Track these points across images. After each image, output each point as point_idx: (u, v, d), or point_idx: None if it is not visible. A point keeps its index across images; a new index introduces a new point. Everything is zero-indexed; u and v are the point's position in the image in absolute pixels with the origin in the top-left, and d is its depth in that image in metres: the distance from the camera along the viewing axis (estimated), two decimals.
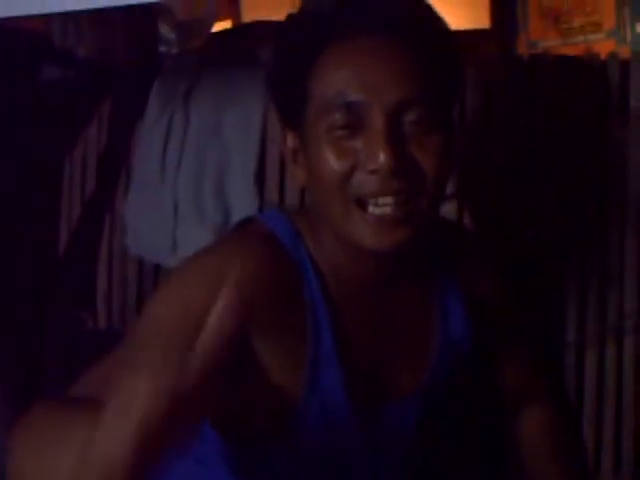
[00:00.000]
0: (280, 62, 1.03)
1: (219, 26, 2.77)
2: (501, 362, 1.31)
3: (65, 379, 0.85)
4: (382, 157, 0.93)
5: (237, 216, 1.77)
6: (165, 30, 2.41)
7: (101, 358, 0.97)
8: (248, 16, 2.80)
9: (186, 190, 1.89)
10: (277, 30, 1.07)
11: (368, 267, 1.06)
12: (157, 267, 1.97)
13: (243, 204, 1.86)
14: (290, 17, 1.04)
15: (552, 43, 3.11)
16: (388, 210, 0.95)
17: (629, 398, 1.64)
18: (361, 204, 0.96)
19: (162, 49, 2.40)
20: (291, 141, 1.04)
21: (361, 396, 1.11)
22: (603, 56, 1.74)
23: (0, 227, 1.88)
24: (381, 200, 0.95)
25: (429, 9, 1.02)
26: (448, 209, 1.65)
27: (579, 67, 1.70)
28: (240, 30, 2.49)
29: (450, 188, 1.64)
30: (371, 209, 0.96)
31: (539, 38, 3.16)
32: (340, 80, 0.95)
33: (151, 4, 1.91)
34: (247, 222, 1.13)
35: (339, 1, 0.98)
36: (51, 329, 2.04)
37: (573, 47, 2.82)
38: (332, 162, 0.96)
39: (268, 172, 1.86)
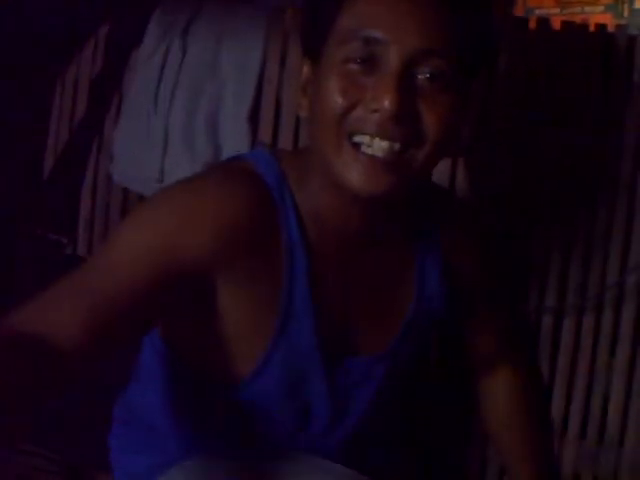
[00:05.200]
0: None
1: None
2: (473, 328, 1.31)
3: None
4: (387, 99, 0.91)
5: (228, 153, 1.76)
6: None
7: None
8: None
9: (178, 122, 1.87)
10: None
11: (352, 214, 1.04)
12: (141, 197, 1.94)
13: (235, 141, 1.84)
14: None
15: (549, 12, 3.09)
16: (381, 153, 0.94)
17: (601, 367, 1.66)
18: (355, 143, 0.94)
19: None
20: (307, 70, 1.02)
21: (330, 347, 1.11)
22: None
23: None
24: (376, 143, 0.94)
25: None
26: (442, 165, 1.65)
27: (585, 36, 1.70)
28: None
29: None
30: (364, 148, 0.94)
31: (536, 5, 3.14)
32: (365, 14, 0.94)
33: None
34: (234, 159, 1.12)
35: None
36: (26, 249, 2.03)
37: (570, 17, 2.80)
38: (337, 93, 0.94)
39: (263, 112, 1.84)
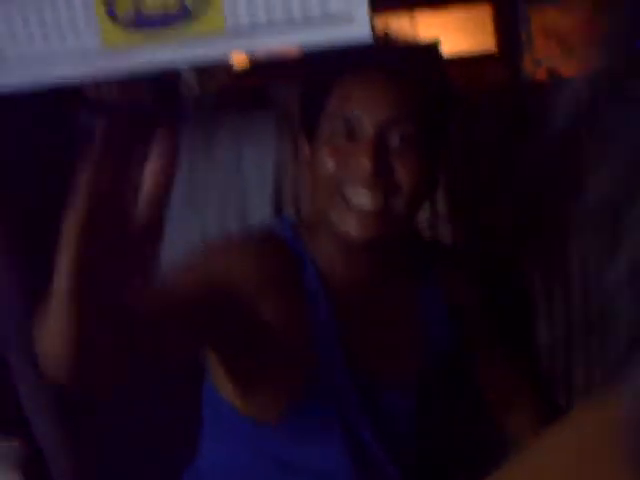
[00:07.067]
0: (307, 87, 1.28)
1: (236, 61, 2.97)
2: (482, 361, 1.47)
3: None
4: (366, 162, 1.13)
5: None
6: (186, 73, 2.59)
7: None
8: None
9: (213, 216, 2.08)
10: (305, 62, 1.33)
11: (357, 261, 1.25)
12: None
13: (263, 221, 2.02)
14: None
15: (556, 61, 3.24)
16: (367, 205, 1.15)
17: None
18: (346, 199, 1.16)
19: (183, 91, 2.56)
20: (307, 151, 1.24)
21: (361, 379, 1.26)
22: None
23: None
24: (362, 193, 1.15)
25: (425, 55, 1.27)
26: (443, 232, 1.75)
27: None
28: (253, 70, 2.71)
29: (443, 209, 1.78)
30: (353, 202, 1.15)
31: (543, 56, 3.30)
32: (345, 98, 1.18)
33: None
34: (265, 226, 1.36)
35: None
36: None
37: (576, 63, 2.95)
38: (328, 159, 1.17)
39: (285, 192, 1.99)
